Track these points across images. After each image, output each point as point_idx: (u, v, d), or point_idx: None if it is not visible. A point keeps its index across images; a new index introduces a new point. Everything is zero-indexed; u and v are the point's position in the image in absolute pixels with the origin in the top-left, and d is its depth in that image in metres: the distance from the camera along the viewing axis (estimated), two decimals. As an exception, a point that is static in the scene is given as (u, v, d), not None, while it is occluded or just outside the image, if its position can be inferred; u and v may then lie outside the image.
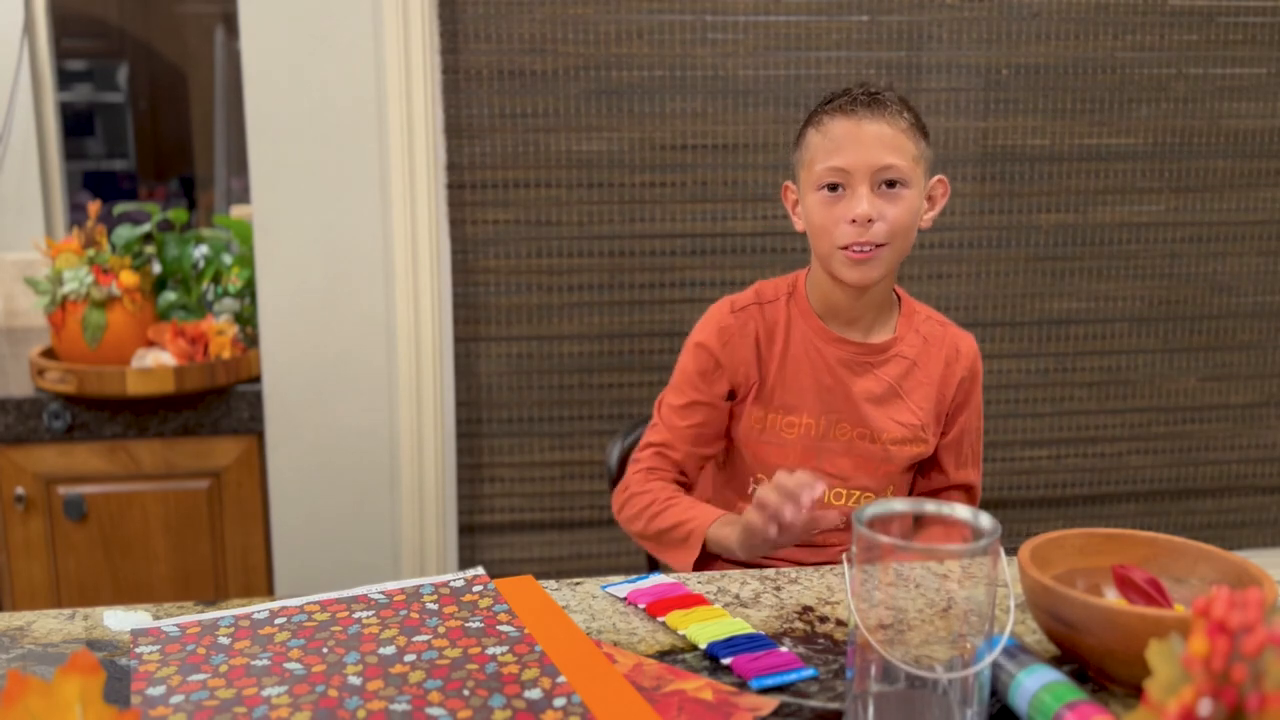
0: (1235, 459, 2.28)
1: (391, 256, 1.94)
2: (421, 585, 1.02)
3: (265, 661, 0.87)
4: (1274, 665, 0.53)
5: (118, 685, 0.86)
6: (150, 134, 3.20)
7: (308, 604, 0.98)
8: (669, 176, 2.01)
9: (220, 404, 1.95)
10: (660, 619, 0.98)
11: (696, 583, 1.07)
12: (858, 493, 1.29)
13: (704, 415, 1.31)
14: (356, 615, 0.95)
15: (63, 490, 1.93)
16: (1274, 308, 2.23)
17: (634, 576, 1.09)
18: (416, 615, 0.95)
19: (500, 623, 0.94)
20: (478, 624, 0.94)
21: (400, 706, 0.80)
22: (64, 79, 2.79)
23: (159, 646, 0.90)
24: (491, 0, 1.92)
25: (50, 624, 0.98)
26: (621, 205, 2.02)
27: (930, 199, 1.27)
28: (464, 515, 2.07)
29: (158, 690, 0.83)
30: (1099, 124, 2.11)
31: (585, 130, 1.99)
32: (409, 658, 0.87)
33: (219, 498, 1.98)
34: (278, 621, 0.94)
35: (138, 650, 0.90)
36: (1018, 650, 0.83)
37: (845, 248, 1.20)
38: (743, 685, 0.86)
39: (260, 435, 1.98)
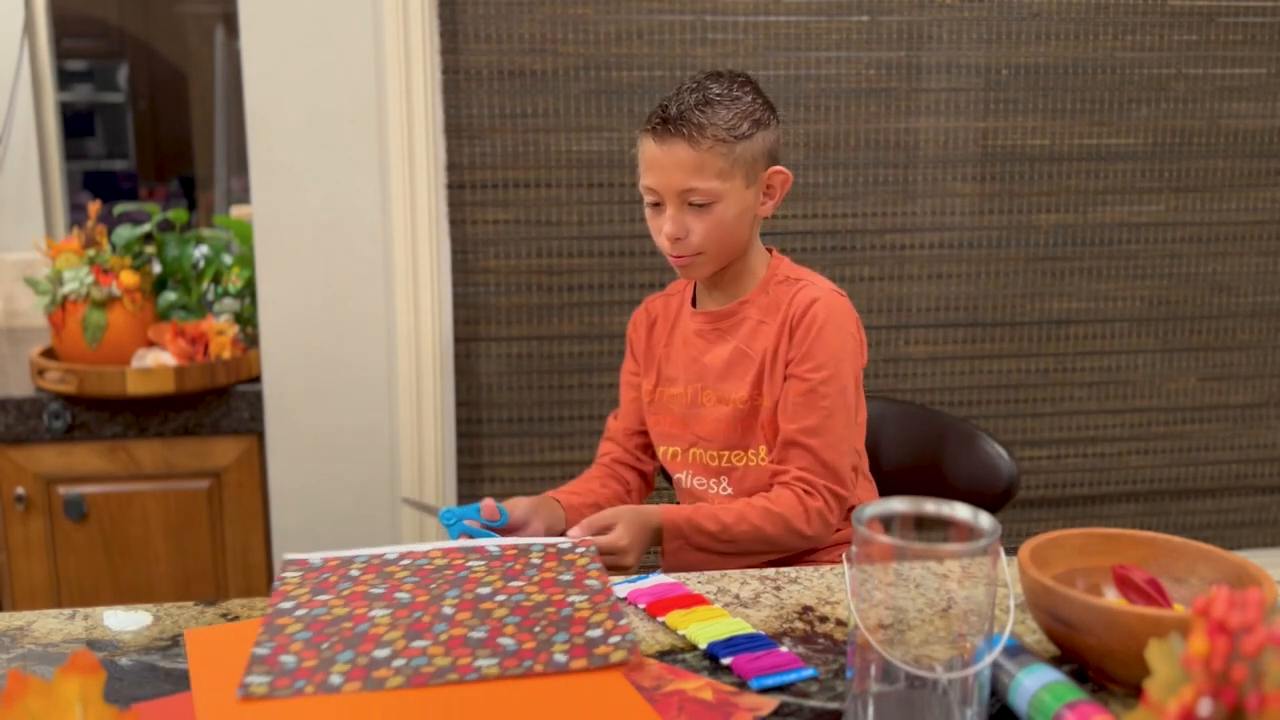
0: (1235, 459, 2.28)
1: (391, 257, 1.94)
2: (534, 544, 1.13)
3: (380, 590, 1.00)
4: (1274, 665, 0.53)
5: (118, 685, 0.86)
6: (150, 134, 3.21)
7: (432, 550, 1.11)
8: (669, 176, 2.01)
9: (220, 404, 1.95)
10: (660, 619, 0.98)
11: (696, 583, 1.08)
12: (727, 452, 1.35)
13: (632, 392, 1.46)
14: (470, 564, 1.07)
15: (63, 490, 1.93)
16: (1274, 308, 2.23)
17: (634, 576, 1.09)
18: (519, 567, 1.06)
19: (589, 578, 1.04)
20: (568, 577, 1.04)
21: (478, 634, 0.92)
22: (64, 79, 2.79)
23: (301, 573, 1.05)
24: (491, 0, 1.92)
25: (50, 624, 0.98)
26: (621, 205, 2.02)
27: (770, 188, 1.32)
28: (464, 515, 2.07)
29: (288, 604, 0.98)
30: (1099, 124, 2.11)
31: (585, 130, 1.99)
32: (500, 598, 0.99)
33: (219, 498, 1.98)
34: (403, 563, 1.07)
35: (283, 575, 1.05)
36: (1018, 650, 0.83)
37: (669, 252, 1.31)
38: (743, 685, 0.86)
39: (260, 435, 1.98)
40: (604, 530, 1.20)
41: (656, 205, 1.30)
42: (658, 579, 1.07)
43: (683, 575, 1.10)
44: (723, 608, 1.01)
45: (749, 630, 0.94)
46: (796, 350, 1.30)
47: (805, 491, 1.27)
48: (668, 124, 1.25)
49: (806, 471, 1.28)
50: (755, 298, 1.34)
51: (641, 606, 1.01)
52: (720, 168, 1.25)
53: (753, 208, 1.31)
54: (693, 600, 1.01)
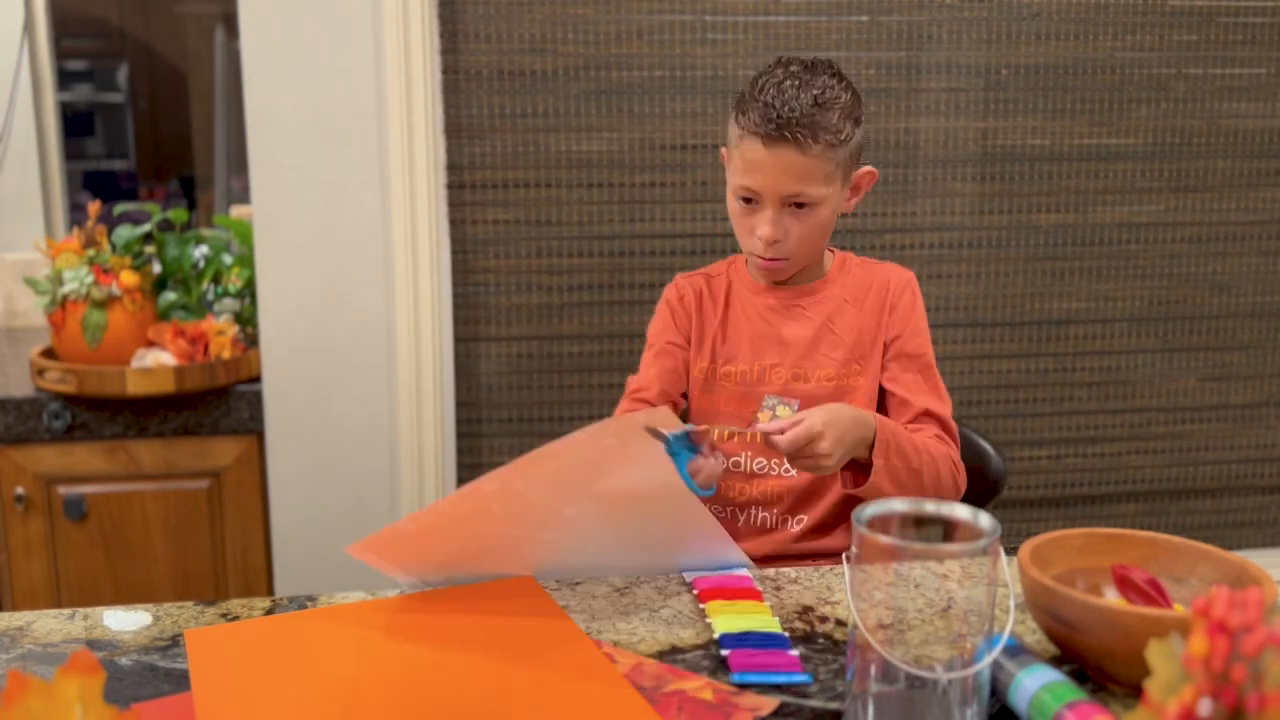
0: (1235, 459, 2.28)
1: (391, 256, 1.94)
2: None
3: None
4: (1274, 665, 0.53)
5: (118, 685, 0.86)
6: (150, 134, 3.21)
7: None
8: (669, 176, 2.01)
9: (220, 404, 1.95)
10: (701, 605, 0.99)
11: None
12: None
13: (675, 359, 1.38)
14: None
15: (63, 490, 1.93)
16: (1274, 308, 2.23)
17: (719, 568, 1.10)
18: None
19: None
20: None
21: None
22: (64, 79, 2.79)
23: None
24: (491, 0, 1.92)
25: (50, 624, 0.98)
26: (621, 205, 2.02)
27: (856, 187, 1.31)
28: (464, 515, 2.07)
29: None
30: (1099, 124, 2.11)
31: (585, 130, 1.98)
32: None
33: (219, 498, 1.98)
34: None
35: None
36: (1018, 650, 0.83)
37: (756, 253, 1.28)
38: (742, 683, 0.86)
39: (260, 435, 1.98)
40: (811, 442, 1.11)
41: (749, 202, 1.26)
42: (739, 573, 1.07)
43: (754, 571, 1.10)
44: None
45: (775, 630, 0.94)
46: (901, 326, 1.30)
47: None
48: (782, 130, 1.20)
49: (943, 433, 1.28)
50: (835, 277, 1.34)
51: (695, 592, 1.02)
52: (827, 172, 1.23)
53: (837, 209, 1.29)
54: (747, 594, 1.01)
